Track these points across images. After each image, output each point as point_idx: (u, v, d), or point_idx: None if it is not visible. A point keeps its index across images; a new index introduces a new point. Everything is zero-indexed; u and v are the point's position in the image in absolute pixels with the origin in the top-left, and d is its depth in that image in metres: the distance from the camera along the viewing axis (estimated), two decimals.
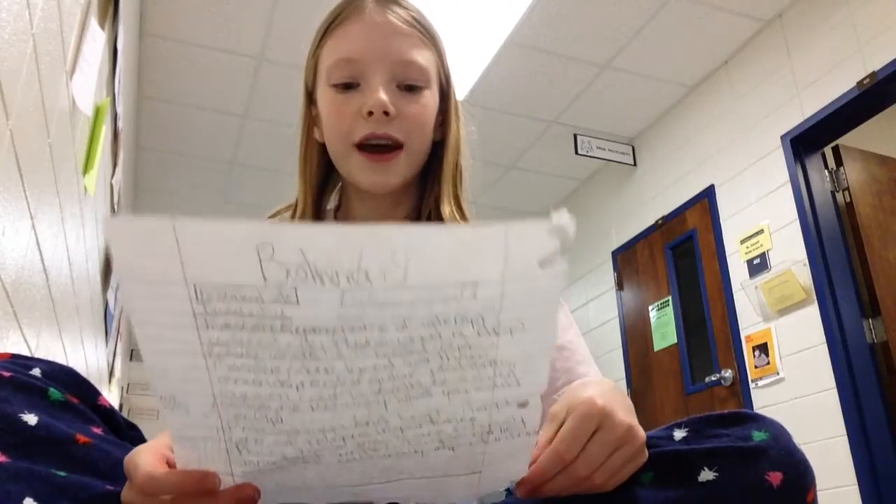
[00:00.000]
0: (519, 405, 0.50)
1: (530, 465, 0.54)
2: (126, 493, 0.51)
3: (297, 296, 0.42)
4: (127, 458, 0.51)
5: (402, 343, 0.45)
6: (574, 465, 0.52)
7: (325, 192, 0.90)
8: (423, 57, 0.84)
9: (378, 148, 0.81)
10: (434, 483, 0.55)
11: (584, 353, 0.82)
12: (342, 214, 0.91)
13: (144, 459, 0.50)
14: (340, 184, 0.91)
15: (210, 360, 0.44)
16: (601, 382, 0.74)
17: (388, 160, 0.81)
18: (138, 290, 0.42)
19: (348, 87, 0.82)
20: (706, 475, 0.53)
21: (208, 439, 0.48)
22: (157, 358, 0.44)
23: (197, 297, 0.42)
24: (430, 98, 0.85)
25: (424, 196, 0.87)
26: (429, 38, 0.86)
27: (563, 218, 0.42)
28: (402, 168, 0.82)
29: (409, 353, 0.45)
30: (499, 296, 0.44)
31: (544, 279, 0.44)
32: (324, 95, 0.85)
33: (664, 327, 3.91)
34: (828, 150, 3.23)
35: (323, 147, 0.87)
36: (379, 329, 0.44)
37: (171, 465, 0.51)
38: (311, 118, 0.89)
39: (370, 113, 0.79)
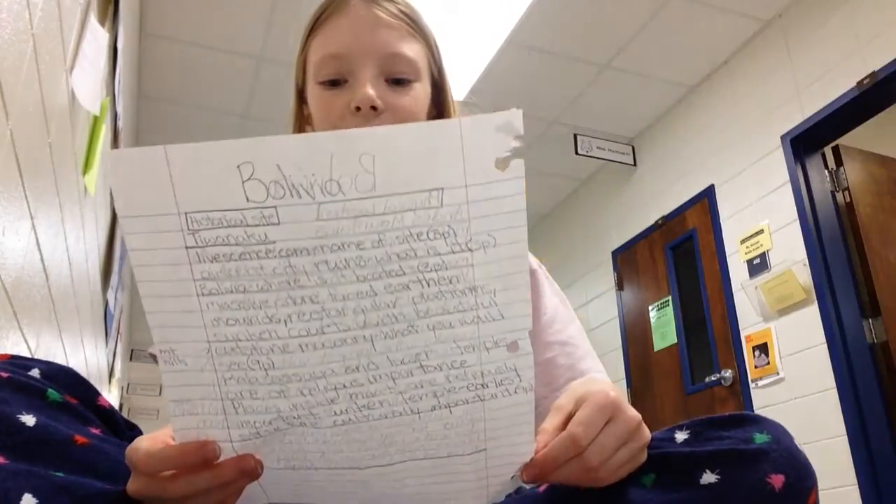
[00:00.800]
0: (508, 349, 0.49)
1: (538, 451, 0.53)
2: (131, 483, 0.51)
3: (277, 215, 0.44)
4: (129, 448, 0.51)
5: (380, 262, 0.46)
6: (586, 453, 0.51)
7: None
8: (412, 49, 0.83)
9: None
10: (440, 467, 0.55)
11: (586, 349, 0.81)
12: None
13: (145, 443, 0.51)
14: None
15: (203, 300, 0.46)
16: (605, 381, 0.74)
17: None
18: (136, 224, 0.44)
19: (336, 83, 0.81)
20: (708, 478, 0.53)
21: (205, 400, 0.49)
22: (155, 303, 0.47)
23: (188, 226, 0.44)
24: (421, 90, 0.84)
25: None
26: (417, 30, 0.84)
27: (510, 112, 0.43)
28: None
29: (388, 275, 0.46)
30: (464, 202, 0.45)
31: (505, 184, 0.45)
32: (313, 93, 0.84)
33: (664, 327, 3.91)
34: (828, 150, 3.23)
35: None
36: (357, 247, 0.45)
37: None
38: (302, 117, 0.89)
39: (358, 108, 0.79)
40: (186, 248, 0.45)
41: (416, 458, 0.54)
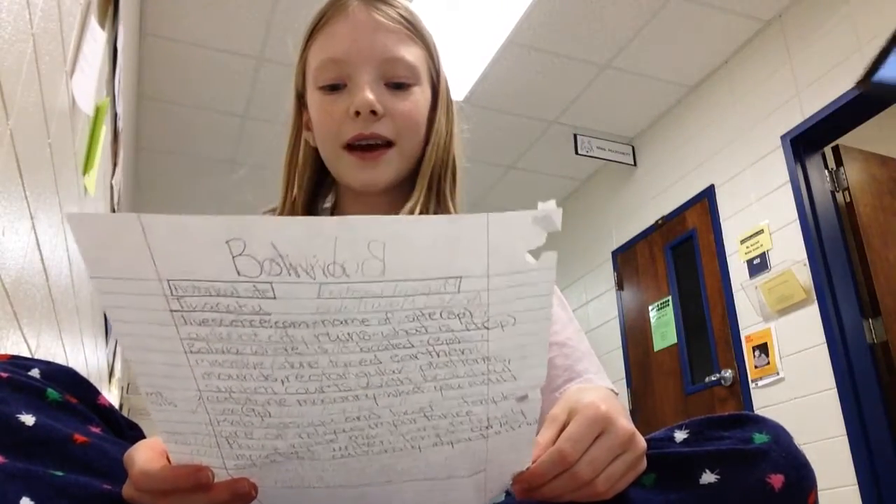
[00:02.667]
0: (518, 399, 0.48)
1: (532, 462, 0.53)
2: (126, 488, 0.51)
3: (273, 290, 0.41)
4: (126, 455, 0.51)
5: (386, 337, 0.43)
6: (577, 468, 0.51)
7: (318, 197, 0.90)
8: (411, 53, 0.82)
9: (368, 147, 0.80)
10: (438, 486, 0.54)
11: (584, 350, 0.81)
12: (338, 214, 0.90)
13: (142, 455, 0.50)
14: (335, 185, 0.91)
15: (191, 357, 0.43)
16: (599, 388, 0.74)
17: (376, 158, 0.80)
18: (111, 285, 0.41)
19: (335, 88, 0.81)
20: (707, 477, 0.53)
21: (198, 434, 0.48)
22: (138, 354, 0.44)
23: (171, 292, 0.41)
24: (421, 95, 0.83)
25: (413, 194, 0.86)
26: (416, 33, 0.84)
27: (549, 207, 0.41)
28: (392, 165, 0.81)
29: (394, 347, 0.44)
30: (484, 289, 0.43)
31: (534, 272, 0.43)
32: (312, 98, 0.84)
33: (664, 327, 3.91)
34: (828, 150, 3.23)
35: (316, 151, 0.86)
36: (361, 323, 0.43)
37: (169, 460, 0.51)
38: (301, 123, 0.89)
39: (357, 113, 0.78)
40: (171, 311, 0.41)
41: (415, 480, 0.54)
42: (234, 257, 0.40)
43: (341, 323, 0.43)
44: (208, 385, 0.45)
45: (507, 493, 0.67)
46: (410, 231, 0.41)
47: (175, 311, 0.42)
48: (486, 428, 0.50)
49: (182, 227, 0.39)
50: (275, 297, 0.41)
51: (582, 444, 0.52)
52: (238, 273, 0.40)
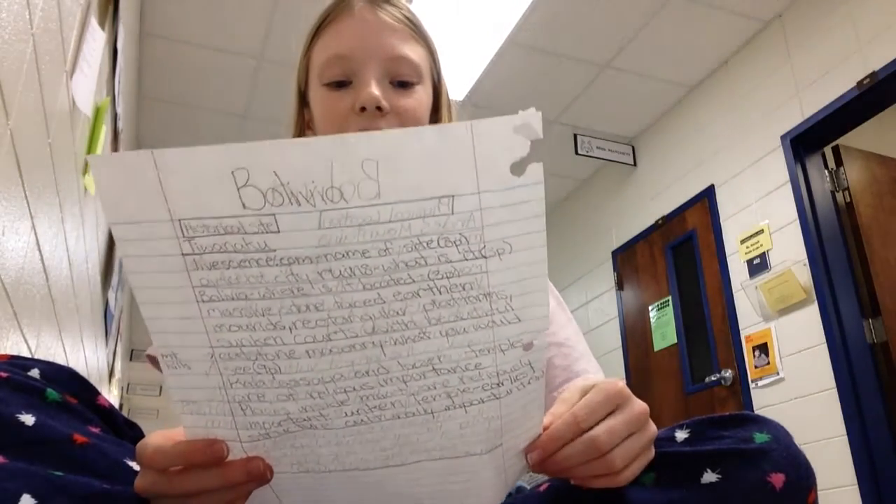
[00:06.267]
0: (524, 348, 0.48)
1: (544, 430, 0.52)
2: (139, 480, 0.51)
3: (276, 223, 0.42)
4: (139, 444, 0.51)
5: (387, 270, 0.44)
6: (596, 433, 0.51)
7: None
8: (415, 52, 0.84)
9: None
10: (456, 467, 0.54)
11: (582, 350, 0.82)
12: None
13: (155, 439, 0.50)
14: None
15: (203, 307, 0.44)
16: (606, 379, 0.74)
17: None
18: (127, 231, 0.42)
19: (341, 84, 0.82)
20: (709, 477, 0.53)
21: (212, 401, 0.48)
22: (153, 309, 0.45)
23: (183, 233, 0.42)
24: (423, 93, 0.85)
25: None
26: (419, 34, 0.86)
27: (528, 113, 0.41)
28: None
29: (396, 283, 0.44)
30: (477, 209, 0.43)
31: (522, 189, 0.43)
32: (316, 95, 0.85)
33: (664, 327, 3.91)
34: (828, 150, 3.23)
35: None
36: (362, 255, 0.43)
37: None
38: (303, 120, 0.90)
39: (363, 109, 0.79)
40: (183, 255, 0.43)
41: (431, 459, 0.54)
42: (238, 189, 0.41)
43: (343, 256, 0.43)
44: (220, 340, 0.46)
45: (509, 494, 0.67)
46: (401, 146, 0.41)
47: (187, 254, 0.43)
48: (497, 385, 0.50)
49: (191, 159, 0.41)
50: (278, 231, 0.42)
51: (596, 412, 0.52)
52: (243, 206, 0.41)
